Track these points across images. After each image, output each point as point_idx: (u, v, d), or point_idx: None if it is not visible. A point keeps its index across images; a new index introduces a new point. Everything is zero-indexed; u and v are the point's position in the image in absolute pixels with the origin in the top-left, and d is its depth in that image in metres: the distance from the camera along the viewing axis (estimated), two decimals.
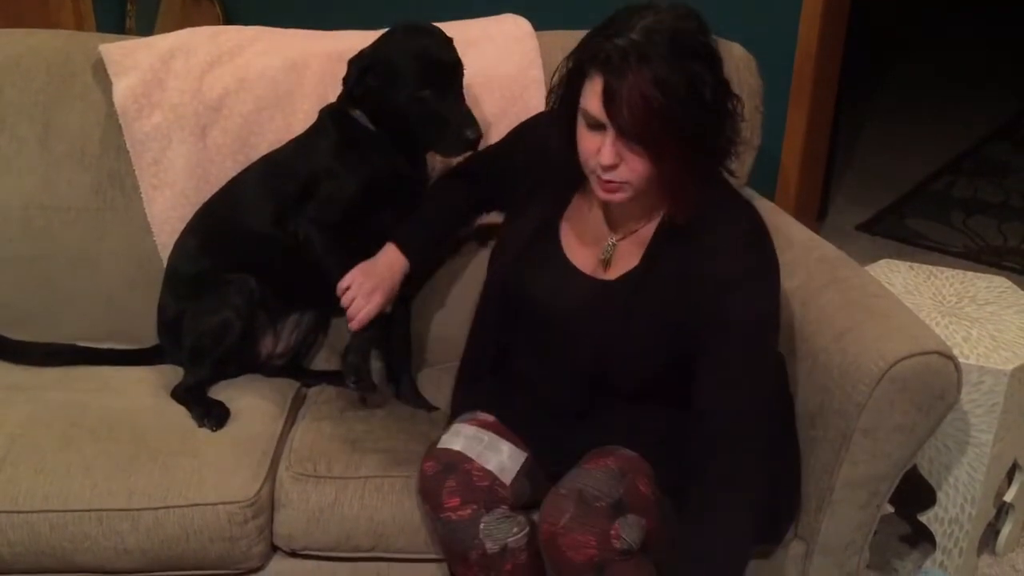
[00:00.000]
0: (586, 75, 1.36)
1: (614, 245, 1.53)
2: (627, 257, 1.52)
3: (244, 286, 1.83)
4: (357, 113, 1.81)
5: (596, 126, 1.37)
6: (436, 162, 1.94)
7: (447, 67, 1.74)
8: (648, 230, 1.51)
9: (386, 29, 1.82)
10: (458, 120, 1.72)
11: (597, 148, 1.37)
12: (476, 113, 1.96)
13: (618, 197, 1.42)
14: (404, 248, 1.73)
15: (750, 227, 1.49)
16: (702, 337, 1.43)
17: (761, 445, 1.47)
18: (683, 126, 1.33)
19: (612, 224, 1.54)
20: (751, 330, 1.44)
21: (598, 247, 1.55)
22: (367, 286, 1.68)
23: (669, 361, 1.48)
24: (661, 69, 1.30)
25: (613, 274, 1.52)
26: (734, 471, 1.43)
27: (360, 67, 1.77)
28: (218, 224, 1.89)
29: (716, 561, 1.42)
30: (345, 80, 1.80)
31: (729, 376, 1.43)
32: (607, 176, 1.39)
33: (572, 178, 1.56)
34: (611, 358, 1.50)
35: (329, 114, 1.85)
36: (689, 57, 1.32)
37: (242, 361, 1.88)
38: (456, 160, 1.86)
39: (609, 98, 1.32)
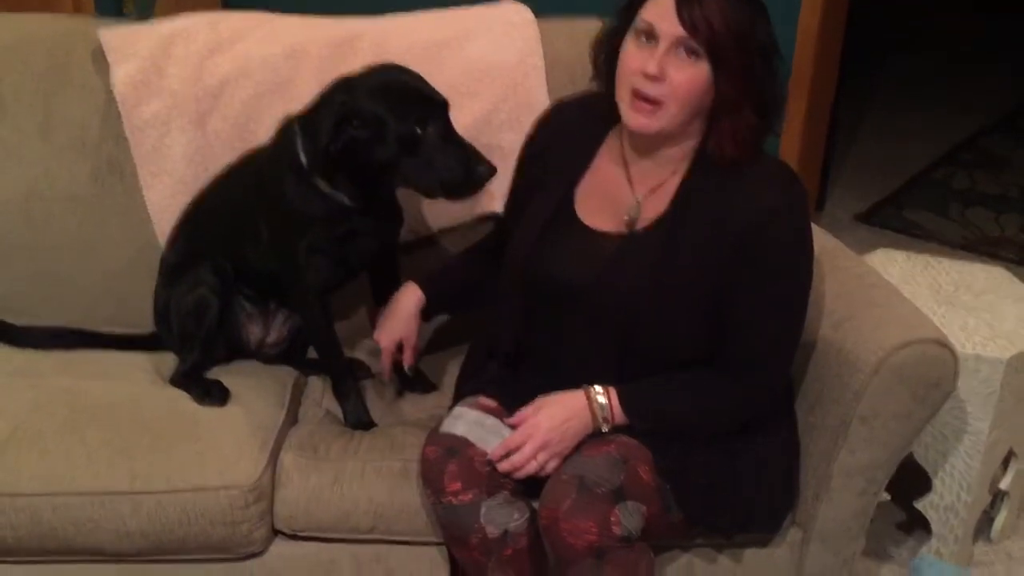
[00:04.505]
0: None
1: (639, 203, 1.55)
2: (654, 211, 1.53)
3: (218, 265, 1.83)
4: (319, 180, 1.66)
5: (648, 39, 1.42)
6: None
7: (439, 103, 1.62)
8: (672, 183, 1.52)
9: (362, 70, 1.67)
10: (465, 156, 1.59)
11: (641, 63, 1.42)
12: (476, 103, 1.98)
13: (647, 122, 1.44)
14: (420, 282, 1.76)
15: (780, 165, 1.53)
16: (735, 277, 1.45)
17: (772, 397, 1.55)
18: (748, 46, 1.41)
19: (635, 182, 1.55)
20: (787, 263, 1.47)
21: (621, 210, 1.56)
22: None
23: (702, 319, 1.49)
24: None
25: (640, 227, 1.54)
26: (737, 395, 1.51)
27: (335, 118, 1.57)
28: (204, 227, 1.90)
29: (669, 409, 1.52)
30: (309, 135, 1.63)
31: (759, 313, 1.47)
32: (646, 89, 1.42)
33: (585, 149, 1.60)
34: (643, 322, 1.49)
35: (289, 165, 1.69)
36: (751, 2, 1.43)
37: (229, 343, 1.89)
38: (466, 205, 1.84)
39: (683, 7, 1.39)
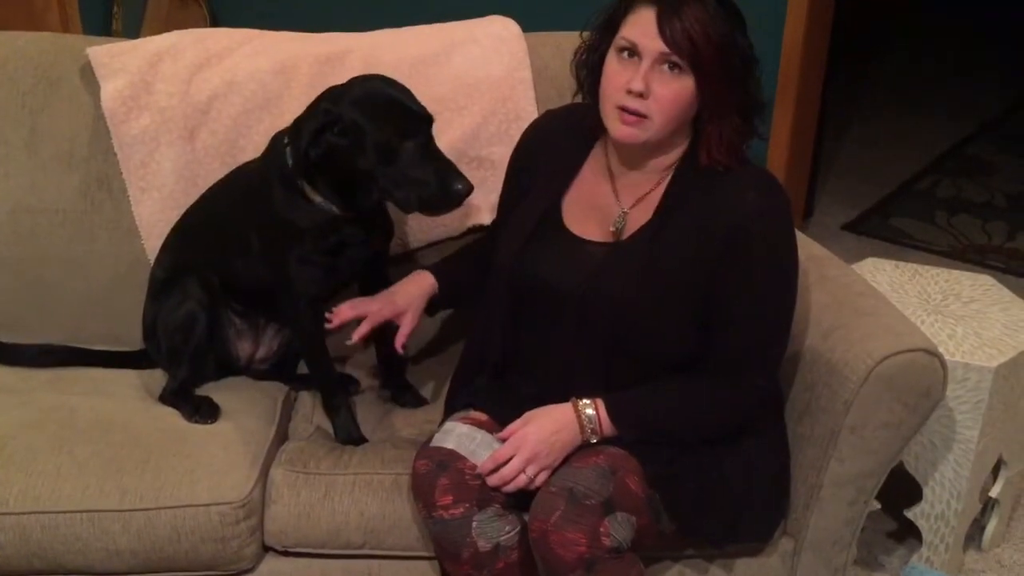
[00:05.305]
0: (631, 10, 1.44)
1: (625, 213, 1.56)
2: (640, 220, 1.54)
3: (206, 279, 1.83)
4: (306, 187, 1.67)
5: (631, 55, 1.44)
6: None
7: (422, 118, 1.62)
8: (657, 193, 1.54)
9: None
10: (443, 172, 1.59)
11: (626, 80, 1.43)
12: (466, 116, 1.98)
13: (634, 133, 1.46)
14: (432, 271, 1.75)
15: (763, 171, 1.55)
16: (721, 280, 1.46)
17: (760, 399, 1.54)
18: (730, 56, 1.43)
19: (621, 193, 1.57)
20: (772, 263, 1.48)
21: (607, 221, 1.57)
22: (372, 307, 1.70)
23: (689, 323, 1.49)
24: (711, 8, 1.42)
25: (626, 236, 1.55)
26: (725, 398, 1.51)
27: (317, 124, 1.59)
28: (193, 241, 1.90)
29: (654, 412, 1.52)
30: (294, 142, 1.64)
31: (745, 314, 1.47)
32: (632, 105, 1.43)
33: (571, 160, 1.61)
34: (630, 327, 1.50)
35: (277, 175, 1.70)
36: (730, 8, 1.45)
37: (219, 359, 1.89)
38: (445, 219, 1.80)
39: (663, 24, 1.40)
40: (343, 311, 1.71)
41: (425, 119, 1.63)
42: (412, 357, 2.01)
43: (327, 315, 1.71)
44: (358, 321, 1.72)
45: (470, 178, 1.97)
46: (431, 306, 1.76)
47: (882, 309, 1.67)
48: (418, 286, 1.74)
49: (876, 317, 1.63)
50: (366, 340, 1.77)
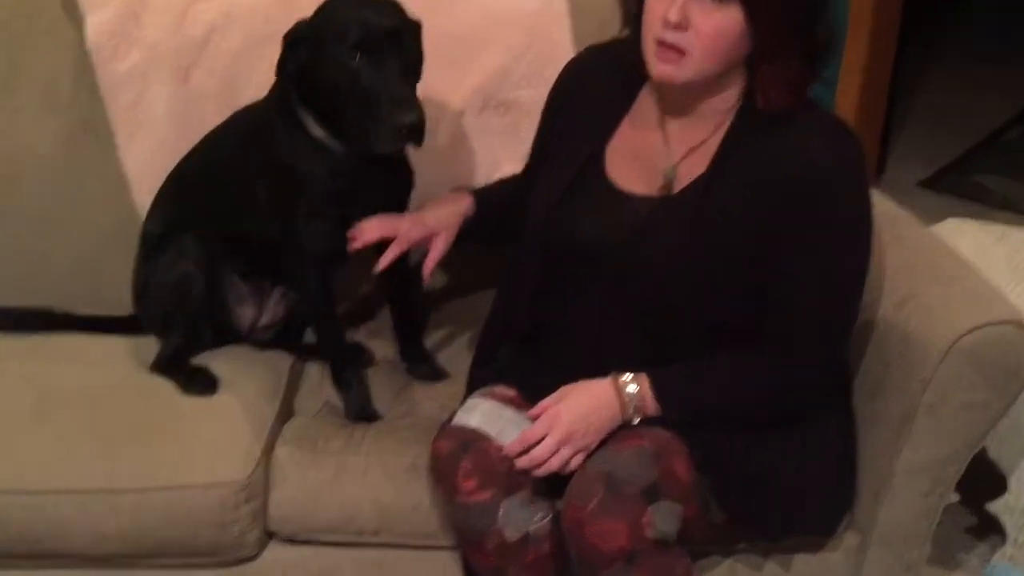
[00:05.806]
0: None
1: (676, 165, 1.54)
2: (693, 173, 1.53)
3: (205, 236, 1.84)
4: (308, 120, 1.71)
5: None
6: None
7: (385, 33, 1.60)
8: (714, 141, 1.52)
9: None
10: (392, 99, 1.57)
11: (664, 10, 1.41)
12: (495, 53, 1.96)
13: (671, 71, 1.44)
14: (471, 190, 1.75)
15: (832, 117, 1.52)
16: (780, 240, 1.45)
17: (823, 379, 1.54)
18: None
19: (672, 142, 1.55)
20: (840, 224, 1.46)
21: (656, 173, 1.55)
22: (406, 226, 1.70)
23: (741, 292, 1.48)
24: None
25: (676, 190, 1.54)
26: (783, 377, 1.50)
27: (290, 40, 1.66)
28: (191, 193, 1.91)
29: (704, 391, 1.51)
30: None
31: (807, 282, 1.46)
32: (669, 38, 1.42)
33: (616, 103, 1.59)
34: (675, 294, 1.49)
35: (278, 110, 1.74)
36: None
37: (218, 324, 1.90)
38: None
39: None
40: (367, 229, 1.71)
41: (387, 35, 1.61)
42: (430, 324, 2.01)
43: (350, 233, 1.71)
44: (379, 253, 1.72)
45: (497, 124, 1.98)
46: (462, 234, 1.75)
47: (965, 276, 1.65)
48: (453, 206, 1.74)
49: (957, 285, 1.62)
50: (382, 291, 1.77)
